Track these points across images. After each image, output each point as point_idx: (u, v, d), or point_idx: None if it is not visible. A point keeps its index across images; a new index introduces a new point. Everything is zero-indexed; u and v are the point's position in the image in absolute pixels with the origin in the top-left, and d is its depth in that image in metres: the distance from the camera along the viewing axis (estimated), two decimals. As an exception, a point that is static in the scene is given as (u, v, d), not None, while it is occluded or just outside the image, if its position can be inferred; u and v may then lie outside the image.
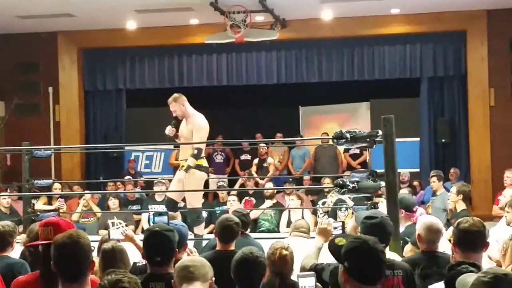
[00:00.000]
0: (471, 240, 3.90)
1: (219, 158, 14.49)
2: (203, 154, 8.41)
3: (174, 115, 8.43)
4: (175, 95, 8.50)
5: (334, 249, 3.86)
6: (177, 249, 4.35)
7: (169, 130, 8.46)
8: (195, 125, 8.31)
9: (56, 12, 13.19)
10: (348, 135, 6.32)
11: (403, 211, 6.48)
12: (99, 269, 4.73)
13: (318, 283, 3.25)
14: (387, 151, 6.18)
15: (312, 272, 3.32)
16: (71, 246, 3.37)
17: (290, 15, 13.63)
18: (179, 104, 8.35)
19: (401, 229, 6.28)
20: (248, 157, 14.34)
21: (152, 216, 5.72)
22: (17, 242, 5.94)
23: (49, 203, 11.22)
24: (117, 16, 13.64)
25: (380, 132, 6.25)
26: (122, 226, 10.44)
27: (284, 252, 4.73)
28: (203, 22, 14.00)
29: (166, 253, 4.16)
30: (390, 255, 4.74)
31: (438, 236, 4.90)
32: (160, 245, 4.17)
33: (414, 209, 6.72)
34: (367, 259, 3.23)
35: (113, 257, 4.62)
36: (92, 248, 3.54)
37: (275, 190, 11.59)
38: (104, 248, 4.78)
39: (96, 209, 11.26)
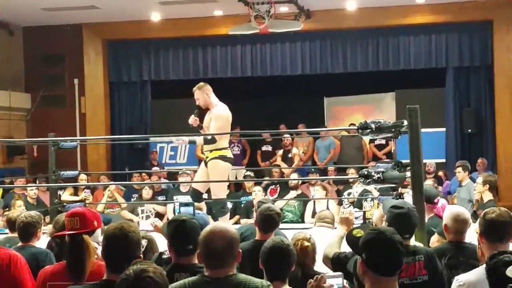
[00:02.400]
0: (498, 231, 3.86)
1: (235, 150, 14.45)
2: (226, 145, 8.39)
3: (197, 103, 8.43)
4: (200, 83, 8.49)
5: (352, 240, 3.86)
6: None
7: (192, 120, 8.45)
8: (214, 115, 8.29)
9: (81, 4, 13.29)
10: (373, 126, 6.28)
11: (425, 203, 6.44)
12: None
13: (346, 285, 3.24)
14: (413, 142, 6.12)
15: (340, 273, 3.31)
16: (121, 238, 3.44)
17: (315, 6, 13.59)
18: (202, 93, 8.34)
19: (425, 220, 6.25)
20: (269, 148, 14.30)
21: (178, 206, 5.73)
22: (43, 233, 5.98)
23: (75, 194, 11.31)
24: (141, 8, 13.68)
25: (405, 122, 6.20)
26: (152, 215, 10.57)
27: (306, 243, 4.73)
28: (227, 14, 14.02)
29: (192, 242, 4.14)
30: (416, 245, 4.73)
31: (465, 226, 4.87)
32: (189, 234, 4.14)
33: (436, 200, 6.68)
34: (385, 250, 3.22)
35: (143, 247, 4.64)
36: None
37: (300, 181, 11.57)
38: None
39: (120, 200, 11.33)
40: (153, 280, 2.87)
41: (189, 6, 13.48)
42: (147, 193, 11.20)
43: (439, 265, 4.42)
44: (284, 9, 13.40)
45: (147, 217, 10.67)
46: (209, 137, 8.21)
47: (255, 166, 14.02)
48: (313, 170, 12.85)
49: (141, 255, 3.57)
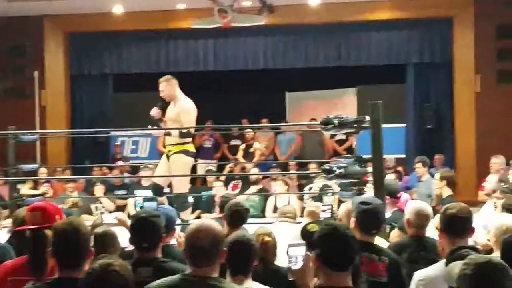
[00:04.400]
0: (458, 226, 3.90)
1: (207, 144, 14.47)
2: (190, 139, 8.39)
3: (161, 95, 8.41)
4: (168, 76, 8.52)
5: (306, 235, 3.90)
6: (164, 234, 4.37)
7: (154, 112, 8.42)
8: (183, 109, 8.29)
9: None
10: (336, 121, 6.31)
11: (388, 197, 6.51)
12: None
13: (307, 252, 3.26)
14: (375, 137, 6.17)
15: (303, 242, 3.34)
16: (71, 234, 3.37)
17: (278, 1, 13.53)
18: (169, 85, 8.35)
19: (387, 215, 6.30)
20: (238, 142, 14.29)
21: (142, 201, 5.72)
22: (3, 227, 5.92)
23: (35, 188, 11.18)
24: (103, 0, 13.57)
25: (367, 118, 6.25)
26: (106, 211, 10.50)
27: (267, 238, 4.76)
28: (190, 7, 13.97)
29: (153, 239, 4.18)
30: (377, 240, 4.78)
31: (427, 221, 4.94)
32: (147, 231, 4.18)
33: (399, 195, 6.76)
34: (338, 245, 3.25)
35: (104, 242, 4.63)
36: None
37: (261, 176, 11.60)
38: (96, 233, 4.79)
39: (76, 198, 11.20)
40: (118, 273, 2.89)
41: (151, -1, 13.42)
42: (99, 189, 11.12)
43: (403, 274, 4.45)
44: (247, 4, 13.38)
45: (101, 213, 10.57)
46: (184, 131, 8.20)
47: (224, 160, 14.02)
48: (274, 165, 12.89)
49: (93, 249, 3.54)
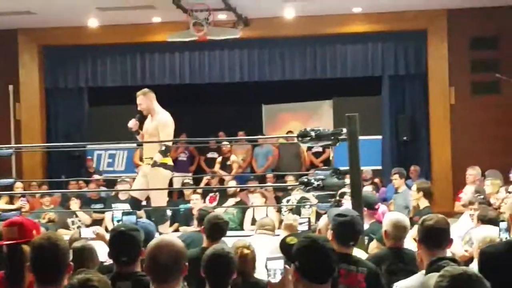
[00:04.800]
0: (436, 237, 3.91)
1: (182, 156, 14.42)
2: (168, 153, 8.38)
3: (139, 108, 8.40)
4: (145, 89, 8.55)
5: (285, 248, 3.88)
6: (143, 248, 4.34)
7: (132, 123, 8.41)
8: (160, 122, 8.29)
9: (16, 9, 13.03)
10: (312, 133, 6.35)
11: (366, 208, 6.54)
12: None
13: (286, 265, 3.26)
14: (352, 149, 6.21)
15: (281, 255, 3.34)
16: (49, 249, 3.35)
17: (253, 14, 13.64)
18: (146, 99, 8.36)
19: (365, 226, 6.32)
20: (215, 155, 14.25)
21: (120, 215, 5.70)
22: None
23: (11, 203, 11.09)
24: (78, 14, 13.53)
25: (344, 130, 6.29)
26: (82, 225, 10.44)
27: (246, 251, 4.76)
28: (165, 20, 13.97)
29: (132, 252, 4.16)
30: (355, 251, 4.80)
31: (405, 233, 4.97)
32: (126, 245, 4.16)
33: (376, 206, 6.80)
34: (317, 258, 3.25)
35: (82, 256, 4.61)
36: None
37: (238, 188, 11.60)
38: (74, 247, 4.76)
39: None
40: (97, 289, 2.87)
41: (127, 13, 13.37)
42: (75, 203, 11.06)
43: (382, 284, 4.47)
44: (222, 17, 13.44)
45: (78, 227, 10.50)
46: (163, 147, 8.19)
47: (200, 173, 13.98)
48: (252, 177, 12.89)
49: (72, 264, 3.52)
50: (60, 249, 3.39)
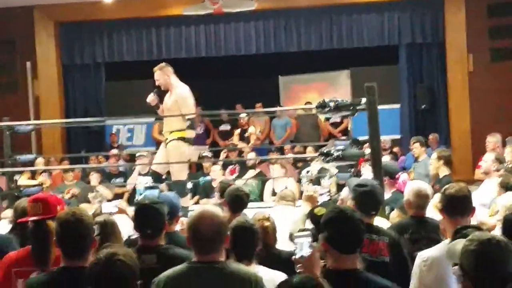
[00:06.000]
0: (458, 206, 3.93)
1: (198, 130, 14.42)
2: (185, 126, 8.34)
3: (156, 83, 8.39)
4: (161, 64, 8.45)
5: (313, 219, 3.92)
6: (168, 221, 4.38)
7: (151, 98, 8.40)
8: (180, 96, 8.26)
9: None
10: (331, 104, 6.36)
11: (387, 178, 6.56)
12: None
13: (313, 243, 3.28)
14: (371, 119, 6.22)
15: (308, 232, 3.37)
16: (75, 224, 3.41)
17: (268, -15, 13.59)
18: (163, 74, 8.32)
19: (386, 196, 6.34)
20: (228, 127, 14.30)
21: (144, 189, 5.75)
22: (3, 218, 5.93)
23: (33, 178, 11.18)
24: (94, -11, 13.53)
25: (363, 101, 6.28)
26: (104, 199, 10.51)
27: (266, 223, 4.77)
28: (181, -7, 13.93)
29: (156, 225, 4.19)
30: (377, 221, 4.82)
31: (427, 201, 4.97)
32: (150, 218, 4.20)
33: (397, 176, 6.80)
34: (346, 228, 3.29)
35: (105, 230, 4.65)
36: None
37: (258, 160, 11.61)
38: (97, 221, 4.81)
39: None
40: (123, 263, 2.92)
41: (142, -13, 13.38)
42: (95, 178, 11.11)
43: (404, 252, 4.50)
44: (237, -11, 13.38)
45: (100, 202, 10.55)
46: (188, 123, 8.18)
47: (215, 146, 14.01)
48: (273, 149, 12.89)
49: (97, 238, 3.56)
50: (85, 224, 3.44)
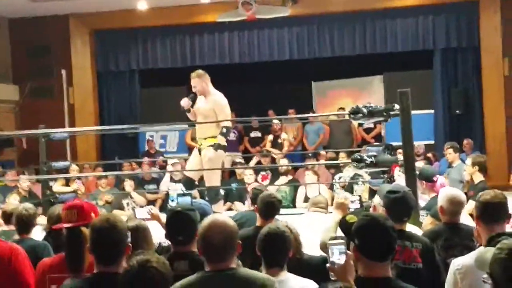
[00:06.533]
0: (494, 212, 3.88)
1: (231, 136, 14.43)
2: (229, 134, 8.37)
3: (194, 90, 8.41)
4: (200, 71, 8.48)
5: (345, 226, 3.90)
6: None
7: (185, 102, 8.42)
8: (217, 104, 8.28)
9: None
10: (364, 110, 6.33)
11: (424, 182, 6.54)
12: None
13: (348, 251, 3.26)
14: (404, 125, 6.18)
15: (342, 241, 3.35)
16: (108, 230, 3.43)
17: (301, -9, 13.58)
18: (201, 81, 8.34)
19: (427, 200, 6.35)
20: (258, 134, 14.31)
21: (176, 196, 5.77)
22: (38, 225, 5.99)
23: (67, 185, 11.29)
24: (128, -3, 13.65)
25: (396, 106, 6.25)
26: (137, 206, 10.57)
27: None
28: (214, 1, 14.00)
29: (188, 232, 4.20)
30: (410, 227, 4.78)
31: (460, 208, 4.92)
32: (182, 225, 4.22)
33: (435, 178, 6.76)
34: (377, 236, 3.27)
35: (137, 235, 4.68)
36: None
37: (290, 167, 11.61)
38: (128, 226, 4.84)
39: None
40: (156, 270, 2.95)
41: (175, -6, 13.47)
42: (128, 185, 11.17)
43: (437, 258, 4.47)
44: (271, -5, 13.40)
45: (133, 208, 10.63)
46: (224, 130, 8.22)
47: (245, 153, 14.02)
48: (310, 155, 12.88)
49: (130, 245, 3.58)
50: (119, 230, 3.46)
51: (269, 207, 5.42)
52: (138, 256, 2.99)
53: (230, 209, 10.31)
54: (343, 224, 3.81)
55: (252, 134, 14.43)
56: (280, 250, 4.00)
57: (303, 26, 14.61)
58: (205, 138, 8.32)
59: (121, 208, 10.87)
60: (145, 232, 4.90)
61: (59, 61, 15.07)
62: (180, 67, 14.53)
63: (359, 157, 6.46)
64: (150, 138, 14.70)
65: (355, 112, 6.41)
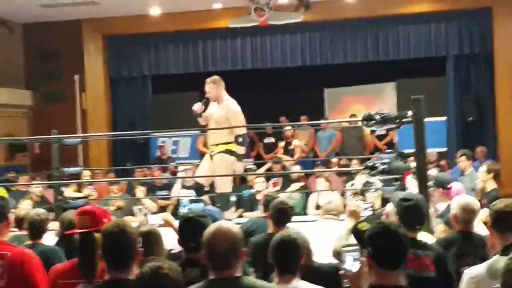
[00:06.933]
0: (508, 221, 3.83)
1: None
2: (233, 139, 8.32)
3: (207, 95, 8.38)
4: (216, 77, 8.41)
5: (357, 234, 3.88)
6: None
7: (197, 106, 8.38)
8: (230, 111, 8.22)
9: (80, 0, 13.26)
10: (378, 117, 6.31)
11: (440, 189, 6.52)
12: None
13: (361, 258, 3.25)
14: (417, 132, 6.16)
15: (356, 247, 3.33)
16: (119, 235, 3.42)
17: (314, -3, 13.55)
18: (216, 87, 8.29)
19: (442, 207, 6.34)
20: (272, 140, 14.29)
21: (188, 202, 5.76)
22: (50, 230, 6.00)
23: (79, 191, 11.31)
24: (141, 2, 13.67)
25: (409, 113, 6.23)
26: (149, 212, 10.57)
27: None
28: (226, 6, 14.02)
29: (201, 239, 4.16)
30: (422, 235, 4.76)
31: (474, 216, 4.90)
32: (195, 231, 4.19)
33: (449, 186, 6.73)
34: (390, 244, 3.25)
35: (149, 241, 4.68)
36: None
37: (305, 174, 11.60)
38: (141, 231, 4.85)
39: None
40: (168, 277, 2.95)
41: (188, 0, 13.45)
42: (140, 191, 11.17)
43: (449, 267, 4.45)
44: (283, 1, 13.36)
45: (145, 215, 10.61)
46: (240, 139, 8.21)
47: (259, 159, 14.00)
48: (319, 162, 12.84)
49: (141, 250, 3.57)
50: (129, 235, 3.44)
51: (282, 214, 5.41)
52: (151, 263, 2.99)
53: (240, 216, 10.28)
54: (356, 232, 3.79)
55: (266, 140, 14.41)
56: (292, 257, 3.99)
57: (315, 32, 14.62)
58: (217, 145, 8.29)
59: (133, 214, 10.86)
60: (157, 237, 4.90)
61: (72, 66, 15.12)
62: (192, 73, 14.58)
63: (372, 164, 6.44)
64: (162, 144, 14.71)
65: (368, 118, 6.40)
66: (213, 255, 3.37)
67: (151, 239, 4.87)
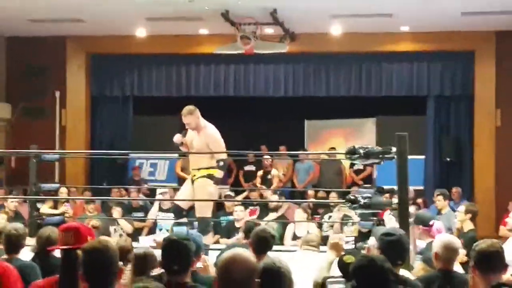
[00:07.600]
0: (491, 261, 3.83)
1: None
2: (214, 164, 8.30)
3: (187, 127, 8.32)
4: (191, 107, 8.26)
5: (342, 266, 3.88)
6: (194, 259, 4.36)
7: (178, 138, 8.38)
8: (210, 138, 8.19)
9: (67, 17, 13.22)
10: (361, 151, 6.34)
11: (421, 226, 6.54)
12: (131, 274, 4.76)
13: None
14: (401, 169, 6.20)
15: (342, 279, 3.32)
16: (101, 253, 3.36)
17: (300, 29, 13.65)
18: (194, 117, 8.20)
19: (423, 245, 6.35)
20: (253, 168, 14.29)
21: (172, 225, 5.74)
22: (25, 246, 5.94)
23: (55, 207, 11.20)
24: (127, 23, 13.67)
25: (393, 149, 6.27)
26: (124, 233, 10.50)
27: None
28: (212, 33, 14.05)
29: (184, 262, 4.15)
30: (401, 271, 4.76)
31: (455, 255, 4.91)
32: (178, 254, 4.16)
33: (431, 223, 6.77)
34: (375, 278, 3.26)
35: (144, 263, 4.65)
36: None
37: (286, 204, 11.61)
38: (136, 254, 4.83)
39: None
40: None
41: (175, 24, 13.47)
42: (116, 211, 11.10)
43: None
44: (269, 31, 13.46)
45: (120, 235, 10.51)
46: (221, 163, 8.19)
47: (238, 186, 13.97)
48: (295, 193, 12.87)
49: (122, 268, 3.53)
50: (111, 251, 3.40)
51: (263, 242, 5.40)
52: (138, 283, 2.96)
53: (217, 242, 10.23)
54: (341, 264, 3.79)
55: (247, 168, 14.40)
56: (277, 286, 3.95)
57: (299, 63, 14.68)
58: (198, 169, 8.27)
59: (108, 234, 10.77)
60: (152, 258, 4.88)
61: (54, 82, 15.04)
62: (175, 97, 14.56)
63: (353, 197, 6.46)
64: (136, 166, 14.67)
65: (351, 152, 6.42)
66: (228, 281, 3.23)
67: (147, 260, 4.86)
